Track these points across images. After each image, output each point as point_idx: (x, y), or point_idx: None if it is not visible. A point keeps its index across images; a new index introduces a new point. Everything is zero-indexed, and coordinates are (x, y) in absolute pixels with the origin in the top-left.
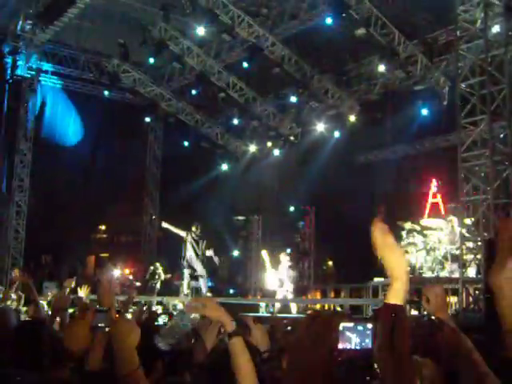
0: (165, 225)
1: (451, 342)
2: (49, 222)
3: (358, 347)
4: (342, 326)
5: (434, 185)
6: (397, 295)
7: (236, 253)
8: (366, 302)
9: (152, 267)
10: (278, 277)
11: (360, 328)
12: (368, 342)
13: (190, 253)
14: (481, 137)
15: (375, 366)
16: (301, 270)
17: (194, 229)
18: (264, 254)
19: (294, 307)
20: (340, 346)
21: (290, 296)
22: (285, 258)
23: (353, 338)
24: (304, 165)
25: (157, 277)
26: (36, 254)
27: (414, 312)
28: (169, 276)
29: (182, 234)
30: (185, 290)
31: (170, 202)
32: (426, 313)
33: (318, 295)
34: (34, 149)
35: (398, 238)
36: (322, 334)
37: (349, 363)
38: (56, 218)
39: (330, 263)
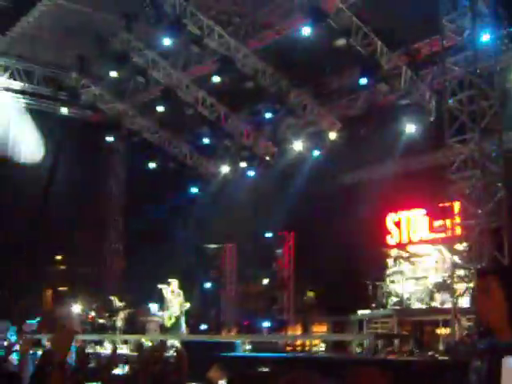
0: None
1: None
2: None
3: None
4: None
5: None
6: None
7: (208, 285)
8: (350, 337)
9: (109, 302)
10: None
11: None
12: None
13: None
14: (470, 156)
15: None
16: (279, 302)
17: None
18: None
19: None
20: None
21: None
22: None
23: None
24: (281, 187)
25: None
26: None
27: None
28: (130, 311)
29: None
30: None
31: (135, 229)
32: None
33: (299, 330)
34: None
35: (384, 266)
36: None
37: None
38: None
39: (311, 294)
